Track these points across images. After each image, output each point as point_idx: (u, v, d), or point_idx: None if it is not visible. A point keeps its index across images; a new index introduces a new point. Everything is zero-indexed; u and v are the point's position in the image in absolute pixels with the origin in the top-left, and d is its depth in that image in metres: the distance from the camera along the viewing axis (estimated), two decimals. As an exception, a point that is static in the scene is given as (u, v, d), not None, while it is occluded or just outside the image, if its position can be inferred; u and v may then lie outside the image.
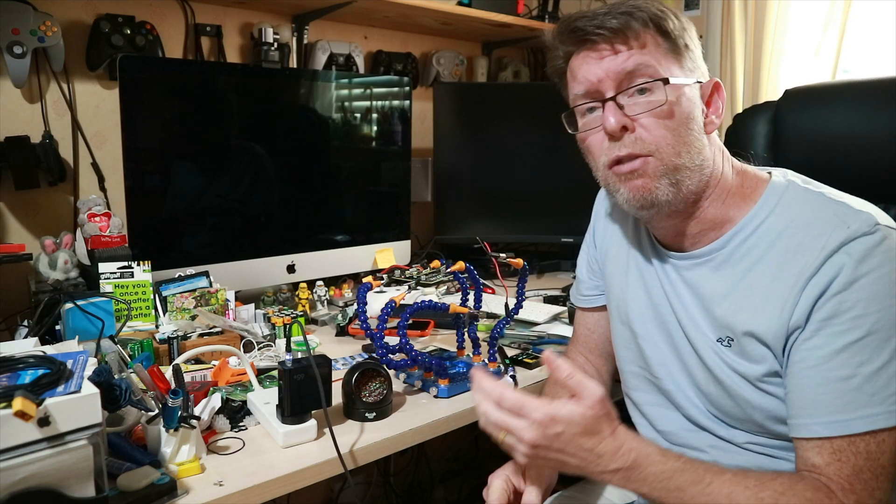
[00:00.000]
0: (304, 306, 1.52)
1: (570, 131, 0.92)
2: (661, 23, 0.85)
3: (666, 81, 0.84)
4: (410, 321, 1.13)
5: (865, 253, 0.77)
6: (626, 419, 1.11)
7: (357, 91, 1.77)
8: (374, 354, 1.09)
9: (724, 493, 0.76)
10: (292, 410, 0.93)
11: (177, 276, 1.36)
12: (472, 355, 1.22)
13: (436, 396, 1.11)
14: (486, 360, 1.21)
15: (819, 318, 0.78)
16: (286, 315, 1.37)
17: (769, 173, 0.91)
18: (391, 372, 1.09)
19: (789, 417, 0.81)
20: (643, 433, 1.04)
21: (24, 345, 0.95)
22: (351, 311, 1.45)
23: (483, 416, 0.81)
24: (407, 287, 1.26)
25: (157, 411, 0.86)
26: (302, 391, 0.92)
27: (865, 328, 0.75)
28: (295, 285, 1.60)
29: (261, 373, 1.15)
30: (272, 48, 1.68)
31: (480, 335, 1.24)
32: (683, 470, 0.78)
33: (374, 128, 1.81)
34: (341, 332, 1.45)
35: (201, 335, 1.24)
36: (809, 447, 0.78)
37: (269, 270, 1.61)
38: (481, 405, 0.80)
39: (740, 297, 0.86)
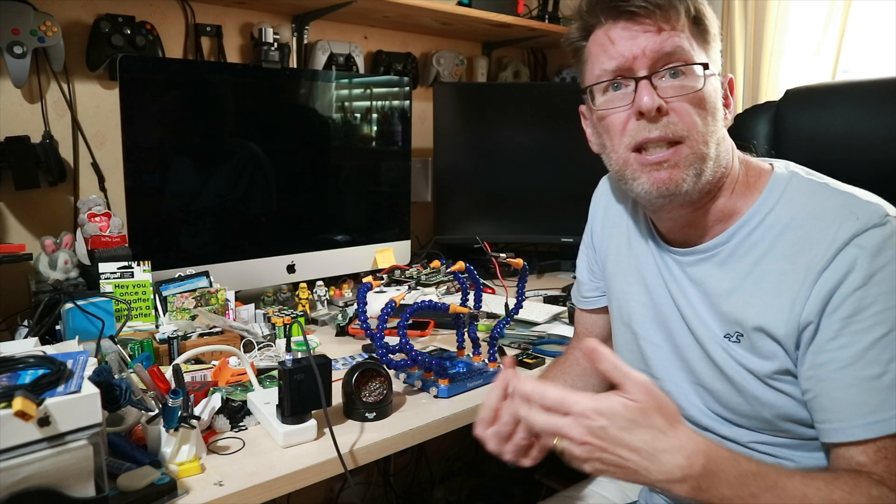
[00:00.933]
0: (304, 306, 1.52)
1: (593, 107, 0.89)
2: (700, 9, 0.84)
3: (706, 66, 0.83)
4: (410, 321, 1.13)
5: (879, 246, 0.76)
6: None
7: (357, 91, 1.77)
8: (374, 354, 1.09)
9: (798, 496, 0.71)
10: (292, 410, 0.93)
11: (177, 276, 1.36)
12: (472, 355, 1.22)
13: (436, 396, 1.11)
14: (486, 360, 1.21)
15: (840, 316, 0.76)
16: (286, 315, 1.37)
17: (771, 164, 0.91)
18: (391, 372, 1.09)
19: (820, 422, 0.79)
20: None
21: (24, 345, 0.95)
22: (351, 311, 1.45)
23: (528, 422, 0.73)
24: (407, 287, 1.26)
25: (157, 411, 0.86)
26: (302, 391, 0.92)
27: (890, 323, 0.74)
28: (295, 285, 1.60)
29: (261, 373, 1.15)
30: (272, 48, 1.68)
31: (480, 335, 1.24)
32: (757, 474, 0.71)
33: (374, 128, 1.81)
34: (341, 332, 1.45)
35: (201, 335, 1.24)
36: (850, 448, 0.76)
37: (269, 270, 1.61)
38: (529, 414, 0.72)
39: (748, 291, 0.85)
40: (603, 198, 1.11)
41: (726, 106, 0.89)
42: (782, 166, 0.89)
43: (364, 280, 1.10)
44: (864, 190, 0.84)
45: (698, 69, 0.83)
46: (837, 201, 0.81)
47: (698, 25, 0.85)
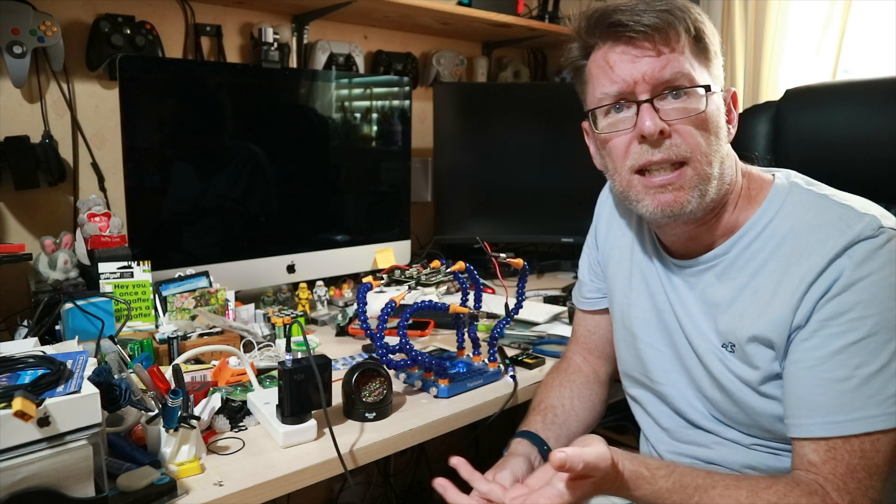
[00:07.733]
0: (304, 306, 1.52)
1: (595, 130, 0.89)
2: (700, 28, 0.83)
3: (708, 88, 0.83)
4: (410, 321, 1.13)
5: (867, 256, 0.76)
6: (628, 417, 1.11)
7: (357, 91, 1.77)
8: (374, 354, 1.09)
9: None
10: (292, 410, 0.93)
11: (177, 276, 1.36)
12: (472, 355, 1.22)
13: (436, 396, 1.11)
14: (486, 360, 1.21)
15: (818, 318, 0.78)
16: (286, 315, 1.37)
17: (773, 175, 0.91)
18: (391, 372, 1.09)
19: (786, 417, 0.81)
20: (647, 431, 1.04)
21: (24, 345, 0.95)
22: (351, 311, 1.45)
23: None
24: (407, 287, 1.26)
25: (157, 411, 0.86)
26: (302, 391, 0.92)
27: (864, 330, 0.75)
28: (295, 285, 1.60)
29: (261, 373, 1.15)
30: (272, 48, 1.68)
31: (480, 335, 1.24)
32: (672, 490, 0.78)
33: (374, 128, 1.81)
34: (341, 332, 1.45)
35: (201, 335, 1.24)
36: (805, 445, 0.78)
37: (269, 270, 1.61)
38: None
39: (746, 302, 0.85)
40: (610, 200, 1.11)
41: (729, 122, 0.88)
42: (783, 177, 0.89)
43: (364, 280, 1.10)
44: (864, 199, 0.84)
45: (700, 90, 0.83)
46: (835, 213, 0.81)
47: (699, 43, 0.84)
